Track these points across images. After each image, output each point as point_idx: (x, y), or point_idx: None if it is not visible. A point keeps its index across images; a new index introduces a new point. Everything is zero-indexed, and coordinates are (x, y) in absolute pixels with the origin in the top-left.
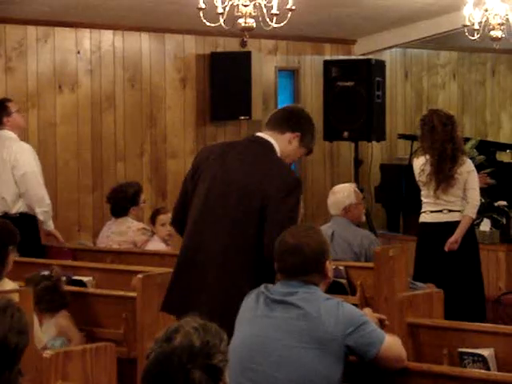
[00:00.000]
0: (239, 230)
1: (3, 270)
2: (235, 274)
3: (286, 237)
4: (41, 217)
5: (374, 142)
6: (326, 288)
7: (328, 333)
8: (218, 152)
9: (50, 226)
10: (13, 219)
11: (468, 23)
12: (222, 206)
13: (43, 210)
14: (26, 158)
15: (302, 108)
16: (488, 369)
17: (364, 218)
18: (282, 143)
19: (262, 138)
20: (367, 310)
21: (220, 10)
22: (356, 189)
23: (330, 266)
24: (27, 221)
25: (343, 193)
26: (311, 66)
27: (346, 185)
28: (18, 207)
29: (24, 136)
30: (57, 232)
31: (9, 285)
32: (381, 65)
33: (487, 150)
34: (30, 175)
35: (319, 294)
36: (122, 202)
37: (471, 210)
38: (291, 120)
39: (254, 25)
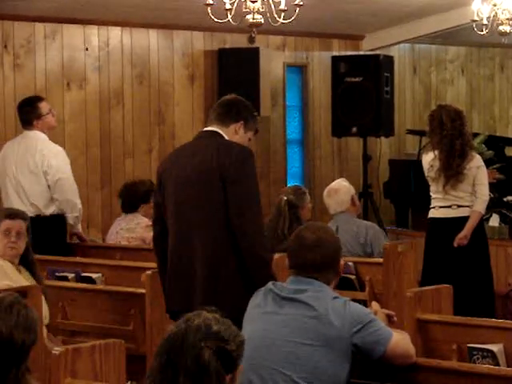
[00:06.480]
0: (211, 216)
1: None
2: (218, 253)
3: (303, 232)
4: (71, 221)
5: (382, 138)
6: (336, 285)
7: (335, 331)
8: (173, 158)
9: (79, 228)
10: (44, 219)
11: (476, 18)
12: (190, 199)
13: (75, 215)
14: (59, 163)
15: (235, 96)
16: (497, 364)
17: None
18: (229, 135)
19: (208, 131)
20: (375, 306)
21: (228, 6)
22: None
23: (342, 263)
24: (58, 222)
25: (344, 188)
26: (319, 61)
27: (339, 180)
28: (51, 211)
29: None
30: (82, 233)
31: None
32: (389, 60)
33: (496, 146)
34: (64, 181)
35: (328, 292)
36: (133, 198)
37: (480, 206)
38: (231, 112)
39: (262, 21)
